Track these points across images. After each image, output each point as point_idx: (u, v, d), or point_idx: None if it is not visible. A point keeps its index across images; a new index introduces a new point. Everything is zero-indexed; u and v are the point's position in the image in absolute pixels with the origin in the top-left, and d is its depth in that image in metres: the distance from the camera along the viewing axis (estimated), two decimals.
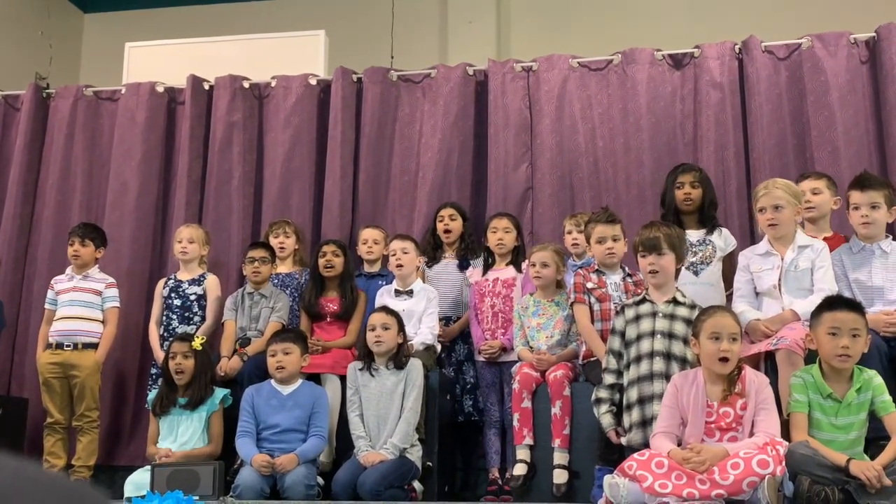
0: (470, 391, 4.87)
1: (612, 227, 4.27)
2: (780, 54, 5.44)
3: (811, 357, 3.58)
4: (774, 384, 3.54)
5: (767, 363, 3.82)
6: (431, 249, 5.25)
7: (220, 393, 4.55)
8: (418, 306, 4.71)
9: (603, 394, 3.80)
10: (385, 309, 4.44)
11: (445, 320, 5.00)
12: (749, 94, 5.39)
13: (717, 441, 3.35)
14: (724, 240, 4.63)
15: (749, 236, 5.05)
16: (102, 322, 5.15)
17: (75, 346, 5.05)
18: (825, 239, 4.19)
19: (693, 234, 4.54)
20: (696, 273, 4.47)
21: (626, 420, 3.69)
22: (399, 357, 4.30)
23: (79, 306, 5.12)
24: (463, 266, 5.16)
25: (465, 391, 4.89)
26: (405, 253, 4.80)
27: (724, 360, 3.36)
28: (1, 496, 0.33)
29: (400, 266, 4.80)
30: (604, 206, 4.78)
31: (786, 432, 3.38)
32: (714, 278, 4.53)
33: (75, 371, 5.01)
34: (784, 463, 3.20)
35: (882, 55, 5.26)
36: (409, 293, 4.78)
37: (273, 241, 5.33)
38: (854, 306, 3.47)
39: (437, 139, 5.68)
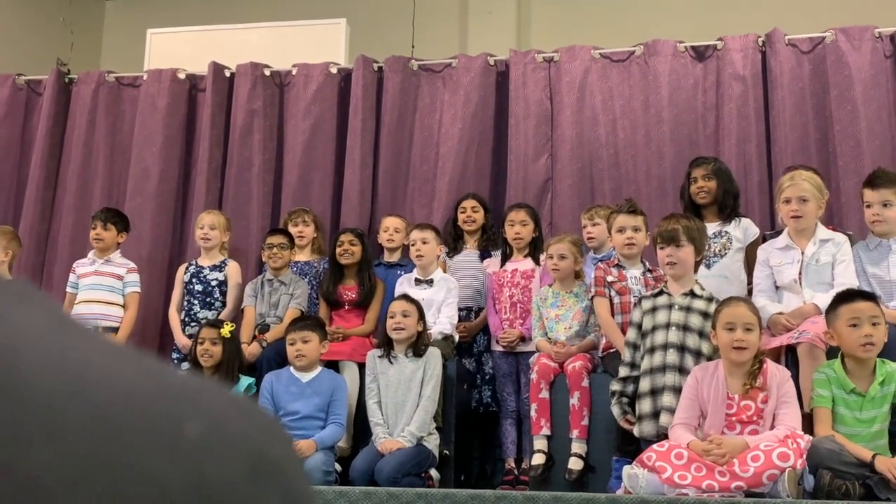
0: (489, 381, 4.87)
1: (633, 218, 4.25)
2: (803, 48, 5.41)
3: (831, 352, 3.58)
4: (795, 378, 3.54)
5: (788, 356, 3.82)
6: (452, 240, 5.25)
7: (244, 381, 4.52)
8: (438, 295, 4.71)
9: (616, 386, 3.83)
10: (406, 297, 4.44)
11: (466, 311, 5.00)
12: (772, 88, 5.35)
13: (738, 434, 3.35)
14: (742, 230, 4.54)
15: (770, 230, 5.01)
16: (123, 306, 5.19)
17: (96, 329, 5.06)
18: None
19: (710, 227, 4.46)
20: (708, 266, 4.39)
21: (637, 409, 3.70)
22: (418, 345, 4.31)
23: (100, 290, 5.15)
24: (484, 257, 5.14)
25: (484, 381, 4.89)
26: (425, 243, 4.80)
27: (739, 349, 3.36)
28: (187, 397, 0.34)
29: (420, 256, 4.80)
30: (627, 197, 4.75)
31: (808, 426, 3.37)
32: (729, 271, 4.43)
33: None
34: (805, 456, 3.19)
35: None
36: (430, 282, 4.78)
37: (292, 230, 5.33)
38: (869, 296, 3.47)
39: (457, 129, 5.67)
